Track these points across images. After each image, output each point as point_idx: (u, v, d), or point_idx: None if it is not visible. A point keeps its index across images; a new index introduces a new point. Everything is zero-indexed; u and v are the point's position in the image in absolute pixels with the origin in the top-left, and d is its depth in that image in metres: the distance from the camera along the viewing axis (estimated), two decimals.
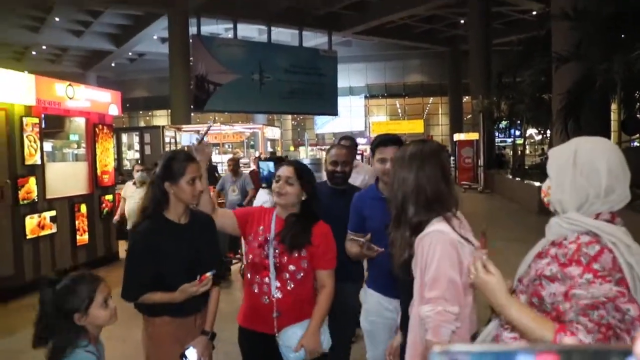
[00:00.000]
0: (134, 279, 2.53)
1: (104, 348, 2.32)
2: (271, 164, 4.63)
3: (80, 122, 8.40)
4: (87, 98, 8.14)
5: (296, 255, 2.70)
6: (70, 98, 7.69)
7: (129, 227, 6.76)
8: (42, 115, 7.25)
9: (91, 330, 2.15)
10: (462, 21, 27.78)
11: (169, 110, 26.69)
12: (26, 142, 6.85)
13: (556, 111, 11.11)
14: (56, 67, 33.47)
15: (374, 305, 3.04)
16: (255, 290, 2.72)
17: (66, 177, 8.04)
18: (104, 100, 8.67)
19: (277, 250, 2.69)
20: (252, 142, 26.08)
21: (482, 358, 0.56)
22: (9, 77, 6.71)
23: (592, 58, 9.82)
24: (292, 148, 37.28)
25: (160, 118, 40.60)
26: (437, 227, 2.02)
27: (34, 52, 31.70)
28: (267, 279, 2.68)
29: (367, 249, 2.84)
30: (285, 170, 2.75)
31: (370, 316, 3.08)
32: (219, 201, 8.31)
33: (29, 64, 30.71)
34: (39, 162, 7.08)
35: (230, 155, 22.29)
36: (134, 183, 8.14)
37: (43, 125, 7.33)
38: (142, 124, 37.50)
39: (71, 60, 34.96)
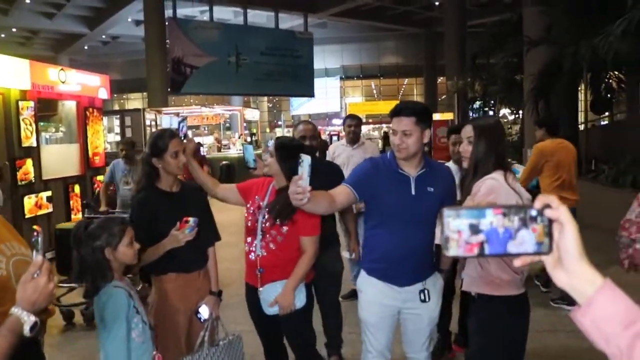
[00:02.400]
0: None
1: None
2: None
3: (71, 105, 8.60)
4: (78, 82, 8.35)
5: (279, 221, 3.03)
6: (62, 82, 7.90)
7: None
8: (37, 99, 7.47)
9: (115, 269, 2.44)
10: (437, 3, 28.09)
11: (145, 93, 26.61)
12: (22, 125, 7.07)
13: (527, 92, 11.59)
14: (27, 50, 32.77)
15: (377, 295, 2.87)
16: (246, 249, 3.09)
17: (60, 159, 8.27)
18: (94, 84, 8.88)
19: (265, 217, 3.01)
20: (228, 124, 26.23)
21: (459, 213, 0.88)
22: (5, 61, 6.90)
23: (561, 42, 10.30)
24: (268, 130, 37.45)
25: (135, 101, 40.29)
26: (493, 175, 2.53)
27: (2, 35, 31.08)
28: (255, 240, 3.04)
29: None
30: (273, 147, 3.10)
31: (372, 307, 2.90)
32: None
33: None
34: (34, 144, 7.32)
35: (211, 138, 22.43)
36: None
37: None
38: (116, 107, 37.17)
39: (43, 44, 34.34)
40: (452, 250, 0.88)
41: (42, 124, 9.78)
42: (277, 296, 2.94)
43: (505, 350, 2.57)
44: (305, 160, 2.15)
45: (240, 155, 19.36)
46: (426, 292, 2.82)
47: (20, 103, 7.04)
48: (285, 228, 2.97)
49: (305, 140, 3.80)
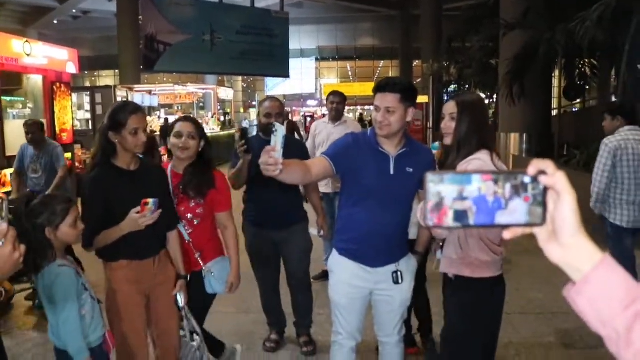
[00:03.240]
0: (88, 225, 2.58)
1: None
2: None
3: (37, 79, 8.33)
4: (44, 55, 8.08)
5: (193, 204, 3.05)
6: (27, 55, 7.63)
7: None
8: (0, 72, 7.21)
9: (58, 248, 2.37)
10: None
11: (116, 71, 26.06)
12: None
13: (502, 76, 11.60)
14: None
15: (348, 276, 2.80)
16: None
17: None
18: (61, 57, 8.60)
19: (176, 200, 3.01)
20: (202, 104, 25.87)
21: (443, 178, 0.80)
22: None
23: (538, 26, 10.30)
24: (242, 110, 37.13)
25: (107, 78, 39.46)
26: (478, 156, 2.43)
27: None
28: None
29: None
30: (186, 126, 3.05)
31: (342, 288, 2.83)
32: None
33: None
34: None
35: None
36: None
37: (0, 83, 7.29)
38: (87, 84, 36.38)
39: (9, 16, 33.23)
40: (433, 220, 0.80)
41: (7, 99, 9.48)
42: (229, 278, 3.15)
43: (483, 333, 2.55)
44: (279, 130, 2.06)
45: (214, 134, 19.13)
46: (399, 273, 2.79)
47: None
48: (200, 209, 3.07)
49: (270, 118, 3.71)
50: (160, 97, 22.25)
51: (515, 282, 5.58)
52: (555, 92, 13.17)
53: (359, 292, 2.82)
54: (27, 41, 7.70)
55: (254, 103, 33.96)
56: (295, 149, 3.83)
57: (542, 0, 10.66)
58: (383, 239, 2.72)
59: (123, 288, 2.75)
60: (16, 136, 7.46)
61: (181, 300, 2.91)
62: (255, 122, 11.54)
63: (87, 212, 2.67)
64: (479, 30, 13.92)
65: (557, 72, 12.13)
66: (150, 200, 2.57)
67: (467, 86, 17.54)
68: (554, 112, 12.88)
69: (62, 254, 2.42)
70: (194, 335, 3.03)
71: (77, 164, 9.36)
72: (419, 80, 30.92)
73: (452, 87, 19.09)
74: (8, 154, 7.32)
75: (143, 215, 2.55)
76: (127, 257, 2.73)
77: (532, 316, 4.72)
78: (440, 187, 0.81)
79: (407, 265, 2.86)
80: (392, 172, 2.67)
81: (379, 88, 2.65)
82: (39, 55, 7.94)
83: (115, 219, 2.60)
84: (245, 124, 29.49)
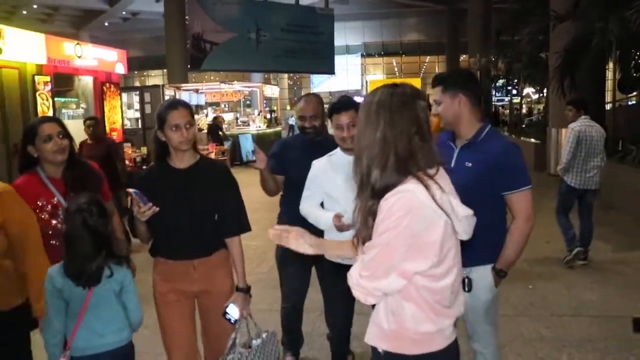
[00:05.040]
0: (132, 219, 2.66)
1: None
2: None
3: (88, 80, 8.57)
4: (94, 57, 8.30)
5: None
6: (78, 57, 7.86)
7: None
8: (53, 74, 7.44)
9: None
10: None
11: (165, 70, 26.57)
12: (39, 100, 7.06)
13: (552, 69, 11.27)
14: (48, 27, 32.83)
15: None
16: None
17: (76, 135, 8.22)
18: (111, 58, 8.82)
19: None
20: (248, 101, 26.14)
21: None
22: (20, 35, 6.86)
23: (590, 17, 9.94)
24: (288, 107, 37.30)
25: (155, 78, 40.34)
26: (406, 187, 1.67)
27: (24, 12, 31.17)
28: None
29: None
30: (54, 127, 2.80)
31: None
32: None
33: (20, 23, 30.18)
34: None
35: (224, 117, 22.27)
36: None
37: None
38: (137, 83, 37.28)
39: (63, 20, 34.42)
40: None
41: (62, 100, 9.78)
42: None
43: None
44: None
45: (260, 132, 19.29)
46: (466, 280, 2.65)
47: (36, 78, 7.01)
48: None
49: (304, 121, 3.38)
50: (207, 95, 22.59)
51: (567, 282, 5.42)
52: (609, 85, 12.71)
53: None
54: (78, 44, 7.93)
55: (295, 100, 34.11)
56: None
57: None
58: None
59: (157, 285, 2.73)
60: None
61: (234, 313, 2.66)
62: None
63: (132, 206, 2.65)
64: (529, 23, 13.56)
65: (610, 64, 11.70)
66: (131, 191, 2.47)
67: (515, 80, 17.18)
68: (608, 106, 12.43)
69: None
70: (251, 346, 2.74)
71: (127, 162, 9.58)
72: None
73: (500, 82, 18.72)
74: None
75: (136, 209, 2.48)
76: (162, 255, 2.71)
77: (584, 318, 4.55)
78: None
79: (480, 277, 2.64)
80: (452, 164, 2.59)
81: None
82: (89, 57, 8.17)
83: (159, 215, 2.53)
84: (291, 121, 29.67)
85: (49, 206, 2.76)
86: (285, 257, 3.60)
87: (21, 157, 2.85)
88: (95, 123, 6.67)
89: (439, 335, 1.77)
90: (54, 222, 2.77)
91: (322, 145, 3.32)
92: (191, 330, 2.79)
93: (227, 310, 2.66)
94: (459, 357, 1.89)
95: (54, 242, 2.78)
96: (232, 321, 2.66)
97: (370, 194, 1.70)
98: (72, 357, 2.40)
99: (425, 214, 1.64)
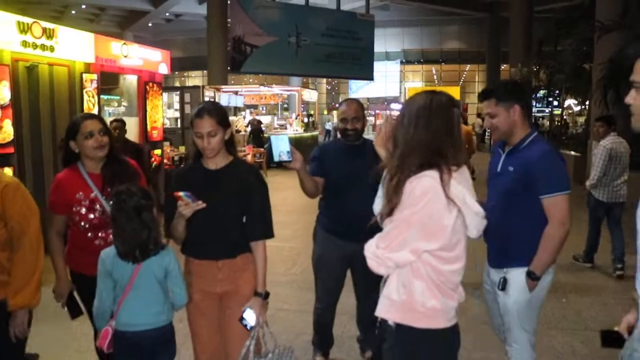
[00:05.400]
0: (167, 217, 2.70)
1: None
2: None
3: (132, 79, 8.77)
4: (139, 57, 8.50)
5: None
6: (124, 56, 8.07)
7: None
8: (100, 72, 7.65)
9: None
10: None
11: (204, 71, 26.94)
12: (85, 97, 7.26)
13: (596, 81, 11.08)
14: (95, 27, 33.70)
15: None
16: (101, 243, 2.85)
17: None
18: (155, 59, 9.03)
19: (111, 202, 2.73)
20: (286, 105, 26.33)
21: None
22: (71, 35, 7.07)
23: (637, 27, 9.75)
24: (325, 112, 37.44)
25: (196, 79, 41.03)
26: (428, 173, 1.91)
27: (73, 11, 32.09)
28: (108, 229, 2.80)
29: None
30: (95, 124, 2.89)
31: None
32: None
33: (68, 23, 30.91)
34: None
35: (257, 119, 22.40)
36: None
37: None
38: (177, 84, 37.93)
39: (109, 20, 35.31)
40: None
41: (105, 97, 10.04)
42: None
43: None
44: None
45: (297, 135, 19.42)
46: (501, 280, 2.84)
47: (84, 75, 7.22)
48: None
49: (346, 123, 3.47)
50: (246, 97, 22.85)
51: (602, 296, 5.33)
52: None
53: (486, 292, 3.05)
54: (124, 43, 8.15)
55: (337, 105, 34.22)
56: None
57: None
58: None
59: (191, 282, 2.74)
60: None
61: (251, 318, 2.64)
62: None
63: (165, 204, 2.74)
64: (572, 33, 13.36)
65: None
66: (181, 193, 2.48)
67: (557, 92, 16.91)
68: None
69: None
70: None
71: (165, 161, 9.78)
72: None
73: (541, 93, 18.45)
74: None
75: (181, 205, 2.49)
76: (190, 254, 2.75)
77: None
78: None
79: (515, 278, 2.77)
80: (498, 169, 2.87)
81: (479, 98, 2.99)
82: (135, 56, 8.37)
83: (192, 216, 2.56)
84: (328, 126, 29.78)
85: (87, 200, 2.85)
86: (322, 259, 3.69)
87: (64, 152, 2.97)
88: (122, 125, 6.62)
89: (443, 314, 1.98)
90: (90, 215, 2.85)
91: (361, 149, 3.46)
92: (215, 332, 2.79)
93: (244, 315, 2.63)
94: (459, 342, 2.09)
95: (90, 234, 2.88)
96: (248, 327, 2.62)
97: (399, 178, 1.94)
98: (117, 330, 2.57)
99: (442, 199, 1.87)
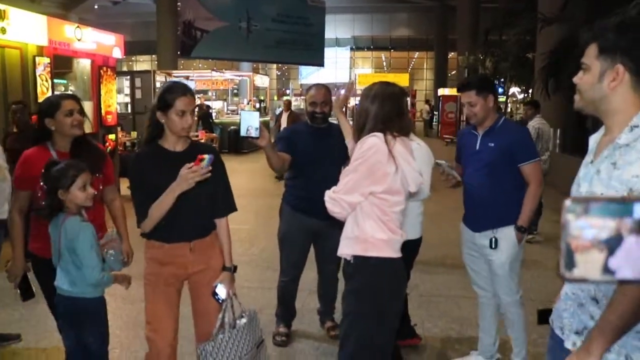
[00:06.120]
0: (136, 200, 2.66)
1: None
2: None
3: (86, 63, 8.68)
4: (93, 40, 8.42)
5: (97, 175, 3.01)
6: (78, 40, 7.98)
7: None
8: (53, 56, 7.55)
9: (71, 208, 2.65)
10: None
11: (154, 56, 26.49)
12: (39, 80, 7.18)
13: (538, 70, 11.57)
14: (36, 8, 32.27)
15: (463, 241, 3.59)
16: None
17: None
18: (109, 43, 8.94)
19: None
20: (236, 90, 26.17)
21: (608, 207, 0.58)
22: (23, 17, 6.97)
23: (576, 20, 10.26)
24: (276, 97, 37.39)
25: (144, 63, 40.17)
26: (376, 134, 2.42)
27: None
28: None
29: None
30: (74, 104, 2.97)
31: (464, 251, 3.60)
32: None
33: (6, 3, 29.80)
34: None
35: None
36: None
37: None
38: (125, 68, 37.06)
39: (52, 1, 34.04)
40: (580, 269, 0.59)
41: (56, 81, 9.87)
42: (124, 248, 3.10)
43: (379, 315, 2.46)
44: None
45: None
46: (493, 240, 3.35)
47: (36, 59, 7.13)
48: (100, 185, 3.04)
49: (315, 106, 3.69)
50: (197, 83, 22.63)
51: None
52: None
53: (469, 258, 3.56)
54: (78, 26, 8.05)
55: (287, 91, 34.18)
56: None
57: None
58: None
59: (150, 268, 2.73)
60: None
61: (222, 292, 2.74)
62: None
63: (134, 189, 2.69)
64: (516, 24, 13.86)
65: None
66: (206, 156, 2.45)
67: (502, 79, 17.47)
68: None
69: (79, 212, 2.70)
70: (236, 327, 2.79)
71: (118, 147, 9.72)
72: (453, 72, 30.79)
73: None
74: None
75: (193, 170, 2.43)
76: (158, 238, 2.69)
77: None
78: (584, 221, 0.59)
79: (504, 236, 3.27)
80: (477, 147, 3.34)
81: (459, 89, 3.45)
82: (88, 40, 8.28)
83: (157, 198, 2.56)
84: (278, 111, 29.67)
85: None
86: (288, 234, 3.92)
87: (36, 129, 3.05)
88: (22, 108, 5.75)
89: (390, 245, 2.44)
90: None
91: (327, 131, 3.73)
92: (175, 320, 2.79)
93: (217, 290, 2.73)
94: (406, 276, 2.75)
95: None
96: (220, 301, 2.73)
97: (357, 140, 2.50)
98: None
99: (385, 152, 2.37)
